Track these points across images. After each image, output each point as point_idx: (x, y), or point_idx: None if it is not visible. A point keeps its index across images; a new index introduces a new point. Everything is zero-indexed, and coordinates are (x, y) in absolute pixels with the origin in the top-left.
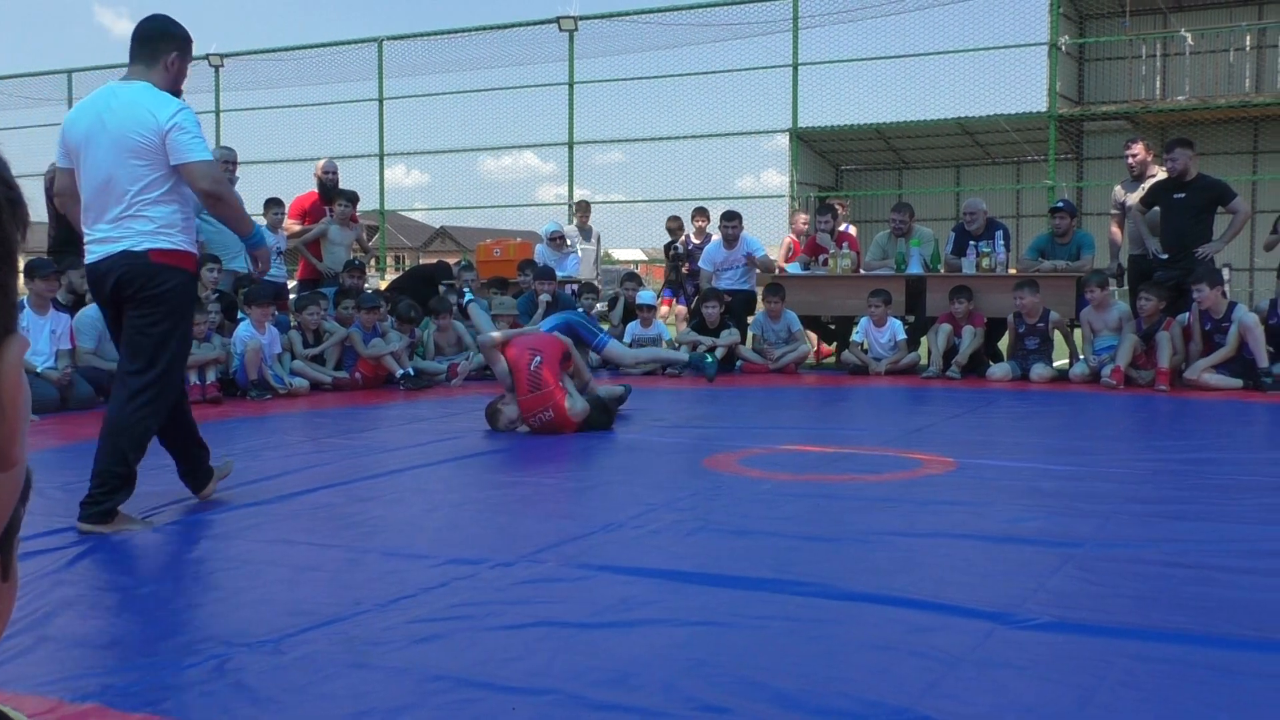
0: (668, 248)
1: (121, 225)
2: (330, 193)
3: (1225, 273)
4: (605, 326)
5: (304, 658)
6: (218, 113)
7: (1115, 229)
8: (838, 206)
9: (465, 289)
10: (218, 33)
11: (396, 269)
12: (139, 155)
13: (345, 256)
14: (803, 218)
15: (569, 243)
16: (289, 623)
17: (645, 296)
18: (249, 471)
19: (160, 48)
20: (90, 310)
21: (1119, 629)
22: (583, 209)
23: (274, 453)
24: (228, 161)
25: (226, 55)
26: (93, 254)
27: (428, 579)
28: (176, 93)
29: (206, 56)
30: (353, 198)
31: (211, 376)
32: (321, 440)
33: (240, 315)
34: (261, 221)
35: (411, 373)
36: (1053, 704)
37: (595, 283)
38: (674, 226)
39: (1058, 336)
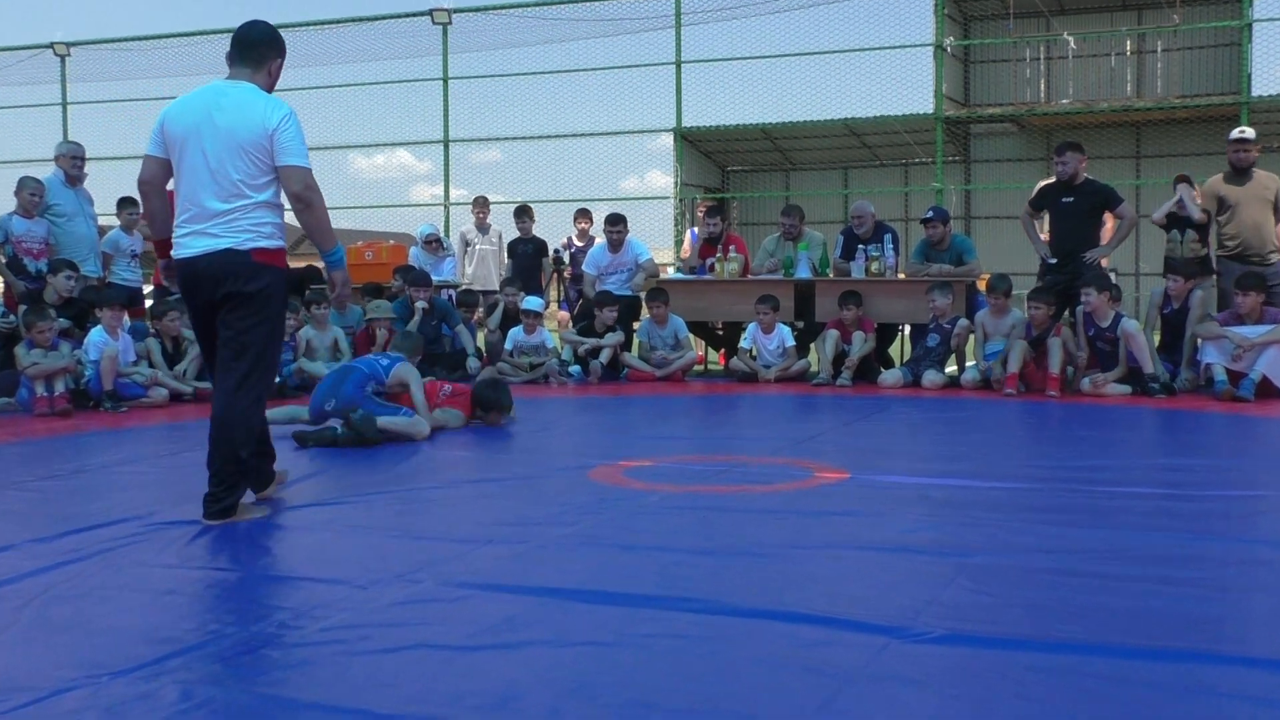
0: (555, 253)
1: (225, 222)
2: None
3: (1111, 277)
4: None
5: (165, 688)
6: (64, 105)
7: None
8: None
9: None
10: (64, 19)
11: None
12: (248, 154)
13: None
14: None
15: (445, 246)
16: (148, 651)
17: (531, 302)
18: (102, 489)
19: (266, 53)
20: None
21: (1013, 640)
22: (481, 205)
23: (130, 469)
24: (75, 157)
25: (74, 44)
26: (190, 248)
27: (296, 601)
28: None
29: (51, 45)
30: None
31: (60, 387)
32: (180, 455)
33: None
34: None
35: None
36: (949, 719)
37: (467, 287)
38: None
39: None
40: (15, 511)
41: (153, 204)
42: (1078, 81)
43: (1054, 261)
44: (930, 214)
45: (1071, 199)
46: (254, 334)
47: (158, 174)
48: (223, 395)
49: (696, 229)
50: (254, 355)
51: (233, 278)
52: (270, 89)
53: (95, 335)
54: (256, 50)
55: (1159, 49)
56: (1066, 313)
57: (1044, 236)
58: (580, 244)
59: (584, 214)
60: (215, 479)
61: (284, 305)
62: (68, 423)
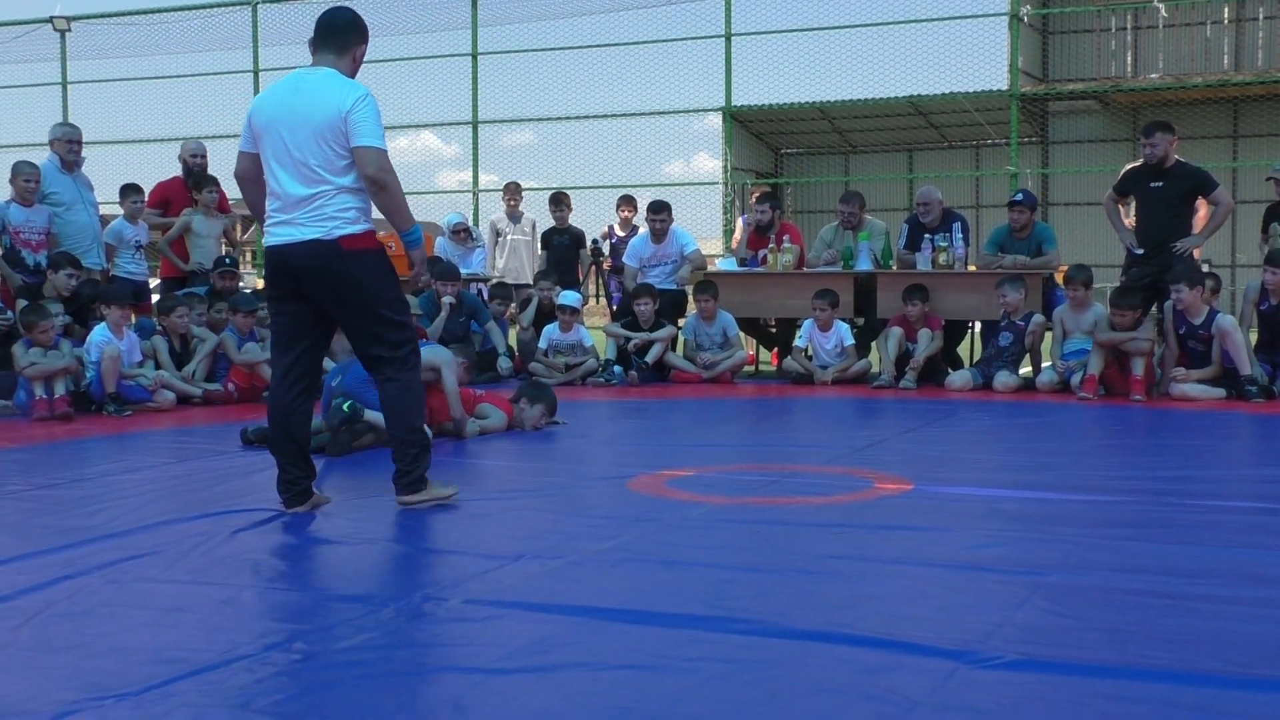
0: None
1: (310, 210)
2: (198, 179)
3: (1203, 268)
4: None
5: (173, 712)
6: (64, 84)
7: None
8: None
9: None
10: None
11: None
12: (325, 140)
13: (216, 250)
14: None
15: (474, 236)
16: (154, 672)
17: (568, 298)
18: (104, 499)
19: (351, 40)
20: None
21: (1092, 667)
22: (512, 191)
23: (135, 477)
24: (71, 141)
25: (74, 18)
26: (277, 236)
27: (314, 619)
28: None
29: (51, 19)
30: (213, 182)
31: (61, 389)
32: (190, 462)
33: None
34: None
35: None
36: None
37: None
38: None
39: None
40: (12, 523)
41: (250, 197)
42: (1169, 53)
43: (1140, 252)
44: (1019, 196)
45: (1160, 184)
46: (379, 316)
47: (250, 169)
48: (385, 383)
49: (747, 216)
50: (394, 336)
51: (329, 273)
52: (353, 75)
53: (97, 334)
54: (341, 36)
55: (1260, 16)
56: (1155, 308)
57: (1130, 224)
58: (622, 234)
59: (626, 201)
60: (397, 455)
61: (393, 281)
62: (68, 427)
